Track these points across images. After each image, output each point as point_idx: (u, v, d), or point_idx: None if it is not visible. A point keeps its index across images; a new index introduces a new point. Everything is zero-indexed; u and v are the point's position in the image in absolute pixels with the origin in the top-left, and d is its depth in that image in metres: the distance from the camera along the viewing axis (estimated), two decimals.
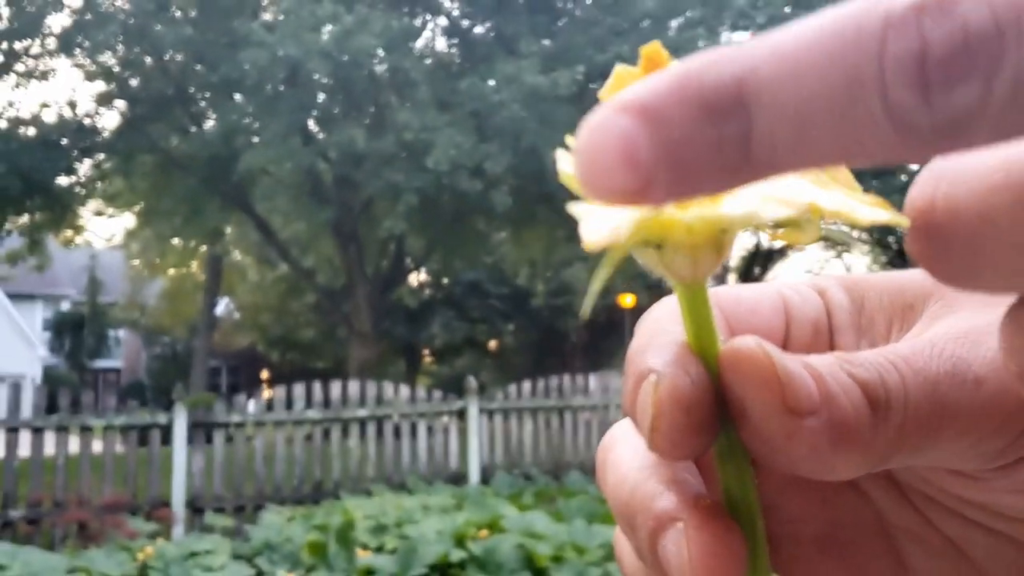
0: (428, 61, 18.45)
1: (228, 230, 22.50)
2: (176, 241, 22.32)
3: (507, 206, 15.58)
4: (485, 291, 27.50)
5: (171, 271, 28.13)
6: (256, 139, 15.79)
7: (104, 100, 17.78)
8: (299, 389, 8.85)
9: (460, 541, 5.47)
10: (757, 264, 24.14)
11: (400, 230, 16.72)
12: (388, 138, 15.51)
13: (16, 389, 7.72)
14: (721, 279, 23.36)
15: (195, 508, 8.04)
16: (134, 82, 18.02)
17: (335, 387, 9.00)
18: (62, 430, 7.72)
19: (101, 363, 34.57)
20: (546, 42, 17.30)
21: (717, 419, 0.23)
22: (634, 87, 0.19)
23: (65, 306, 34.47)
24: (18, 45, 16.44)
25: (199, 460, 8.15)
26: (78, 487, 7.57)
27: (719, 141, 0.18)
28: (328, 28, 14.67)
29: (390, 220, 16.03)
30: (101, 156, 17.84)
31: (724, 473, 0.24)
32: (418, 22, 18.40)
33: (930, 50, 0.16)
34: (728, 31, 18.72)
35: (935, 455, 0.22)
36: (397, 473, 9.03)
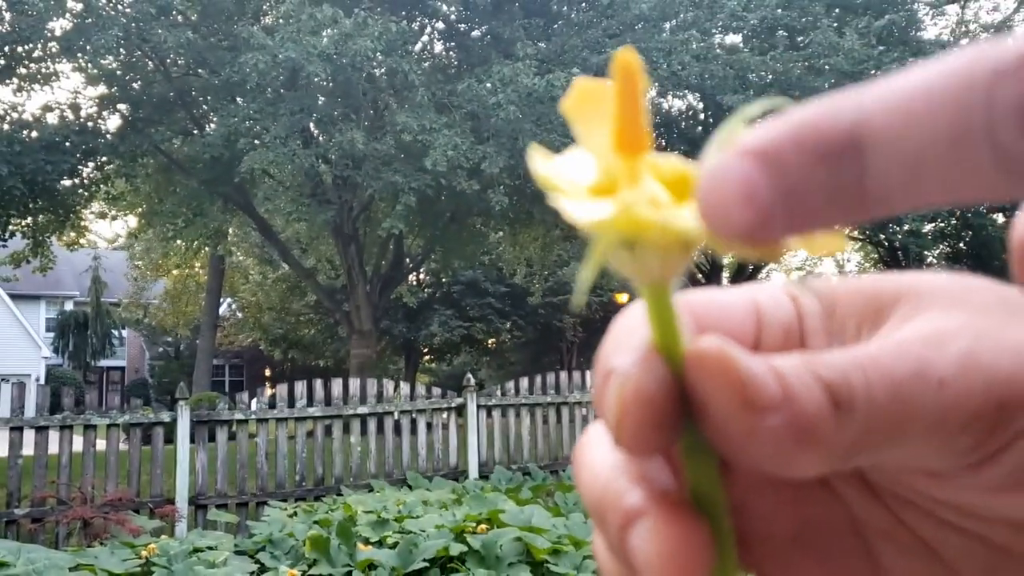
0: (426, 64, 18.54)
1: (230, 231, 22.61)
2: (178, 242, 22.42)
3: (504, 206, 15.67)
4: (483, 290, 27.58)
5: (174, 272, 28.25)
6: (257, 141, 15.88)
7: (106, 103, 17.86)
8: (300, 387, 8.97)
9: (460, 535, 5.51)
10: (750, 262, 24.18)
11: (399, 230, 16.80)
12: (387, 140, 15.61)
13: (20, 388, 7.80)
14: (716, 278, 23.42)
15: (198, 505, 8.15)
16: (136, 85, 18.11)
17: (336, 384, 9.12)
18: (66, 429, 7.82)
19: (105, 363, 34.64)
20: (542, 45, 17.38)
21: (681, 417, 0.23)
22: (754, 132, 0.20)
23: (68, 307, 34.54)
24: (20, 49, 16.51)
25: (202, 457, 8.25)
26: (82, 485, 7.65)
27: (834, 183, 0.19)
28: (327, 32, 14.76)
29: (389, 220, 16.12)
30: (104, 158, 17.90)
31: (690, 470, 0.25)
32: (416, 25, 18.47)
33: None
34: (720, 33, 18.81)
35: (901, 454, 0.23)
36: (397, 469, 9.15)
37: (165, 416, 8.34)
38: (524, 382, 10.01)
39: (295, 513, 7.04)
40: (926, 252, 24.56)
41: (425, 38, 19.59)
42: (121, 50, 16.73)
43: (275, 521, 6.44)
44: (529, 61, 15.39)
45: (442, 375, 31.11)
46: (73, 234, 21.79)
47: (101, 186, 18.77)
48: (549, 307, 28.15)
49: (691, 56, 16.57)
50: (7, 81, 17.00)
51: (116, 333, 34.42)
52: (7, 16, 15.80)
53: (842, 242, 0.23)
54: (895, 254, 23.46)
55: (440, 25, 19.39)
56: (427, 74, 16.99)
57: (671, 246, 0.23)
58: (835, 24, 18.31)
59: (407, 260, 22.07)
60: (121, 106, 18.00)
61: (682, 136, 21.56)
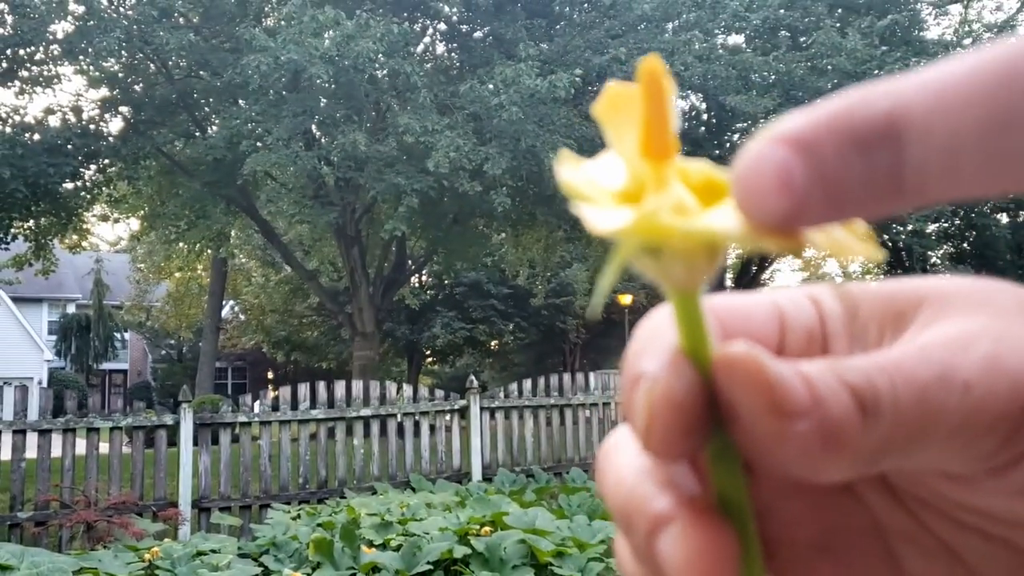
0: (428, 65, 18.54)
1: (232, 233, 22.62)
2: (181, 245, 22.43)
3: (507, 207, 15.66)
4: (486, 291, 27.56)
5: (176, 274, 28.25)
6: (259, 143, 15.88)
7: (108, 105, 17.87)
8: (304, 389, 8.96)
9: (463, 538, 5.52)
10: (754, 263, 24.17)
11: (402, 232, 16.80)
12: (389, 141, 15.61)
13: (23, 392, 7.79)
14: (718, 279, 23.40)
15: (201, 508, 8.14)
16: (138, 88, 18.12)
17: (339, 387, 9.11)
18: (69, 432, 7.80)
19: (107, 365, 34.67)
20: (544, 45, 17.37)
21: (709, 422, 0.23)
22: (790, 120, 0.21)
23: (71, 309, 34.58)
24: (22, 52, 16.52)
25: (205, 460, 8.23)
26: (85, 488, 7.65)
27: (870, 170, 0.19)
28: (329, 33, 14.75)
29: (392, 222, 16.12)
30: (106, 161, 17.90)
31: (717, 475, 0.25)
32: (418, 27, 18.46)
33: None
34: (723, 33, 18.79)
35: (925, 458, 0.23)
36: (400, 471, 9.14)
37: (168, 419, 8.32)
38: (527, 384, 9.99)
39: (298, 516, 7.05)
40: (930, 252, 24.50)
41: (427, 39, 19.59)
42: (123, 52, 16.74)
43: (279, 524, 6.45)
44: (531, 62, 15.37)
45: (445, 377, 31.09)
46: (75, 237, 21.82)
47: (103, 189, 18.78)
48: (552, 308, 28.14)
49: (694, 57, 16.57)
50: (9, 84, 17.00)
51: (119, 336, 34.48)
52: (9, 19, 15.81)
53: (875, 249, 0.23)
54: (899, 255, 23.40)
55: (442, 26, 19.38)
56: (429, 75, 16.98)
57: (696, 252, 0.23)
58: (838, 24, 18.29)
59: (410, 262, 22.07)
60: (123, 108, 18.01)
61: (685, 137, 21.54)
